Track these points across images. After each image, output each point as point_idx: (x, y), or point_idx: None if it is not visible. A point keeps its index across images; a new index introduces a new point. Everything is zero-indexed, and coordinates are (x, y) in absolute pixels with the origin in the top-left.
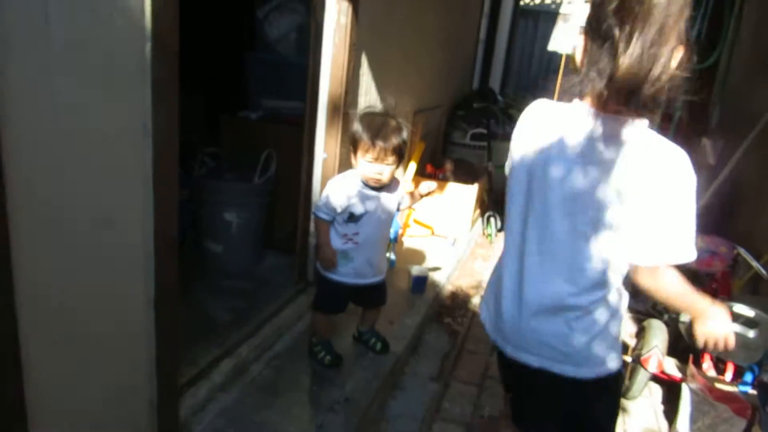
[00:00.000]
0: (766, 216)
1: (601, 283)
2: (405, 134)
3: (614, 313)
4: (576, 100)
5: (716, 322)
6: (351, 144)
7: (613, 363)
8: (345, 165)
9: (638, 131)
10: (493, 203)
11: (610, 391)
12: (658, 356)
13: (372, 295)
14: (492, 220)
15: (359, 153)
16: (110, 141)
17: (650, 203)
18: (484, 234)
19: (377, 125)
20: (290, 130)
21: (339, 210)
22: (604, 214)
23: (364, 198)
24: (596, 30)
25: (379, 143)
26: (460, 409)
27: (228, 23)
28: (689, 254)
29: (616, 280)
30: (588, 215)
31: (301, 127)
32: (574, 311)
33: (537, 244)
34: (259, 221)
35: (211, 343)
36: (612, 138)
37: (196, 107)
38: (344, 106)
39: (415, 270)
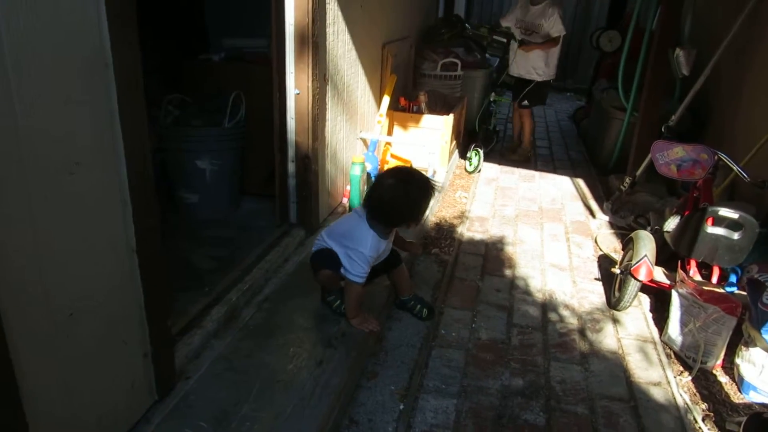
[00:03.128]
0: (739, 123)
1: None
2: None
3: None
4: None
5: None
6: (400, 220)
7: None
8: (319, 100)
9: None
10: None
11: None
12: (647, 265)
13: (383, 264)
14: (479, 150)
15: (411, 225)
16: (68, 74)
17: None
18: (469, 163)
19: (427, 197)
20: (256, 69)
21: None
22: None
23: (385, 243)
24: None
25: None
26: (456, 334)
27: None
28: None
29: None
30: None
31: (266, 65)
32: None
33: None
34: (233, 167)
35: (198, 292)
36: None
37: (153, 54)
38: (312, 36)
39: None
